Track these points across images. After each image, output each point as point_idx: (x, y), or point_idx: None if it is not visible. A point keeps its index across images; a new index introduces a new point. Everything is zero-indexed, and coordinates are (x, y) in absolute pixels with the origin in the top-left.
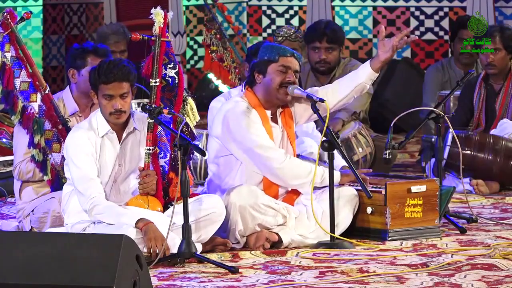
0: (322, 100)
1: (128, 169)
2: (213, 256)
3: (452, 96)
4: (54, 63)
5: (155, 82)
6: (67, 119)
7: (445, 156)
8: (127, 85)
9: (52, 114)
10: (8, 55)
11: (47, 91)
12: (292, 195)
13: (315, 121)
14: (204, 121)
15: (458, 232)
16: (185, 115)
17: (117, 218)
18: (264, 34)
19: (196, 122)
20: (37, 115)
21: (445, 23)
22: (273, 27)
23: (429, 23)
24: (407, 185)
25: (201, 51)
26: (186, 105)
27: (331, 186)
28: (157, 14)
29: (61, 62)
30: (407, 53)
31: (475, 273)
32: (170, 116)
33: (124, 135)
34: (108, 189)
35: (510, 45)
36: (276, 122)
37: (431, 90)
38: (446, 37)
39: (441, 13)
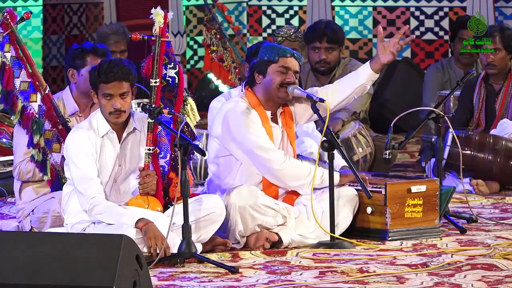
0: (322, 100)
1: (128, 169)
2: (213, 256)
3: (452, 96)
4: (54, 63)
5: (155, 82)
6: (67, 119)
7: (445, 156)
8: (127, 85)
9: (52, 114)
10: (8, 55)
11: (47, 91)
12: (292, 195)
13: (315, 121)
14: (204, 121)
15: (458, 232)
16: (185, 115)
17: (117, 218)
18: (264, 34)
19: (196, 122)
20: (37, 115)
21: (445, 23)
22: (273, 27)
23: (429, 23)
24: (407, 185)
25: (201, 51)
26: (186, 105)
27: (331, 186)
28: (157, 14)
29: (61, 62)
30: (407, 53)
31: (475, 273)
32: (170, 116)
33: (124, 135)
34: (108, 189)
35: (510, 45)
36: (276, 122)
37: (431, 90)
38: (446, 37)
39: (441, 13)
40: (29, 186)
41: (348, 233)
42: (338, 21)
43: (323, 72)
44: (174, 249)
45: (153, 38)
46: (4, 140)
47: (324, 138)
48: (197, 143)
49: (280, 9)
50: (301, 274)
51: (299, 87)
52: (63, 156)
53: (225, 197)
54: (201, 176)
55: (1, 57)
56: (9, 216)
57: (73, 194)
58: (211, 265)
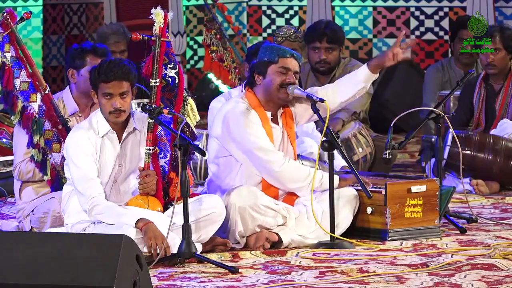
0: (322, 100)
1: (128, 169)
2: (213, 256)
3: (452, 96)
4: (54, 63)
5: (155, 82)
6: (67, 119)
7: (445, 156)
8: (127, 85)
9: (52, 114)
10: (8, 55)
11: (47, 91)
12: (292, 195)
13: (315, 121)
14: (204, 121)
15: (458, 232)
16: (185, 115)
17: (117, 218)
18: (264, 34)
19: (196, 122)
20: (37, 115)
21: (445, 23)
22: (273, 27)
23: (429, 23)
24: (407, 185)
25: (201, 51)
26: (186, 105)
27: (331, 186)
28: (157, 14)
29: (61, 62)
30: (407, 53)
31: (475, 273)
32: (170, 116)
33: (124, 135)
34: (108, 189)
35: (510, 45)
36: (277, 123)
37: (431, 90)
38: (446, 37)
39: (441, 13)
40: (29, 186)
41: (348, 233)
42: (338, 21)
43: (323, 72)
44: (174, 249)
45: (153, 38)
46: (4, 140)
47: (324, 138)
48: (197, 143)
49: (280, 9)
50: (301, 274)
51: (299, 87)
52: (63, 156)
53: (225, 197)
54: (201, 176)
55: (1, 57)
56: (9, 216)
57: (73, 194)
58: (211, 265)
